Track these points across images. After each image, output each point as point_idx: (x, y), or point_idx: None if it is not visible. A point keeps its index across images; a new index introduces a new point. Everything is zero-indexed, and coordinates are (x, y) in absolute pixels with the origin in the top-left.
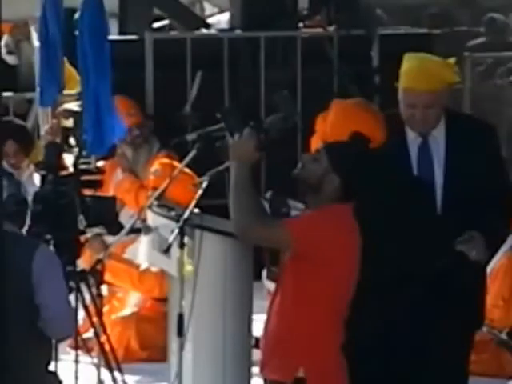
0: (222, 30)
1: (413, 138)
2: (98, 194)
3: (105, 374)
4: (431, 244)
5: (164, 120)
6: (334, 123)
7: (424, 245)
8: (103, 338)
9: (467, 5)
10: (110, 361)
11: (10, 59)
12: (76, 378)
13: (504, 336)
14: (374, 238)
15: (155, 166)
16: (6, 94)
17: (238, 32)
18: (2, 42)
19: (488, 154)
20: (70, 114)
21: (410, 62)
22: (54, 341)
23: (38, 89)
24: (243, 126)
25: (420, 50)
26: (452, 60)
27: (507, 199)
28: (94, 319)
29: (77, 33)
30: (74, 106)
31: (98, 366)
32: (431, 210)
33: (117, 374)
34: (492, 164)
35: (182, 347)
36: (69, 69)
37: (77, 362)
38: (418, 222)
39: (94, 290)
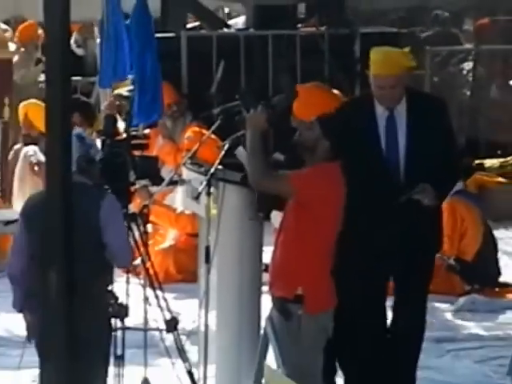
0: (239, 30)
1: (381, 112)
2: (145, 154)
3: (149, 292)
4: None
5: (195, 98)
6: (300, 101)
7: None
8: (148, 265)
9: (425, 11)
10: (153, 282)
11: (79, 51)
12: (127, 295)
13: (452, 261)
14: (353, 187)
15: (188, 133)
16: (75, 78)
17: (251, 31)
18: (72, 39)
19: (441, 125)
20: (120, 97)
21: (375, 54)
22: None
23: (98, 74)
24: (256, 104)
25: (390, 45)
26: (407, 49)
27: (454, 160)
28: (142, 250)
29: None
30: (123, 91)
31: (144, 286)
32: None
33: (158, 292)
34: (444, 133)
35: (208, 271)
36: None
37: (128, 282)
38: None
39: (141, 228)
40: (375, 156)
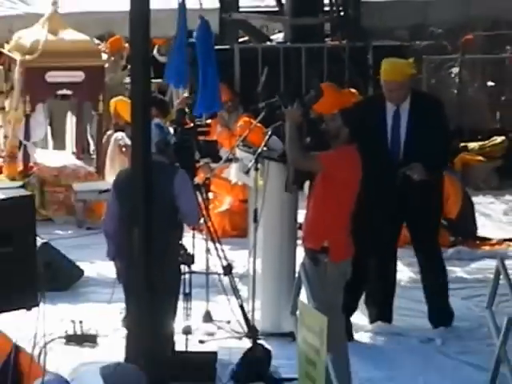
0: (279, 43)
1: (390, 108)
2: (207, 139)
3: (210, 244)
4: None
5: (245, 96)
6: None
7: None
8: (209, 224)
9: (423, 27)
10: (213, 237)
11: (161, 59)
12: (193, 246)
13: (444, 221)
14: (366, 163)
15: (240, 122)
16: (154, 80)
17: (288, 44)
18: (155, 49)
19: (437, 118)
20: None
21: (385, 64)
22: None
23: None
24: (291, 102)
25: (396, 55)
26: (411, 60)
27: (446, 145)
28: (204, 213)
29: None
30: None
31: (206, 240)
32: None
33: (217, 244)
34: (438, 125)
35: (256, 229)
36: None
37: (193, 237)
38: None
39: (204, 195)
40: (383, 140)
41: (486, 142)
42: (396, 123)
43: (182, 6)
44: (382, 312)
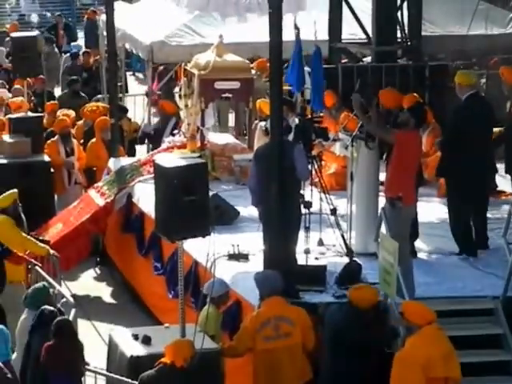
0: (368, 63)
1: None
2: (320, 126)
3: (322, 195)
4: None
5: (346, 98)
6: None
7: None
8: (322, 181)
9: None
10: (324, 190)
11: None
12: (311, 196)
13: None
14: None
15: (342, 115)
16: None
17: (374, 63)
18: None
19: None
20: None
21: (459, 74)
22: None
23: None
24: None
25: (442, 71)
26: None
27: None
28: (318, 174)
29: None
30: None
31: (319, 192)
32: None
33: (327, 195)
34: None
35: (352, 185)
36: None
37: (311, 190)
38: None
39: (318, 163)
40: None
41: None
42: None
43: (297, 37)
44: None
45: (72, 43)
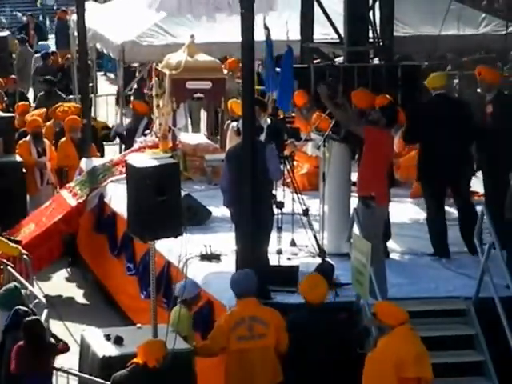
0: (340, 63)
1: None
2: (292, 126)
3: (294, 195)
4: None
5: (317, 98)
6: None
7: None
8: (294, 181)
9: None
10: (296, 190)
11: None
12: (283, 196)
13: None
14: None
15: (314, 115)
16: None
17: (346, 64)
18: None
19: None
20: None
21: (430, 77)
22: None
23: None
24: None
25: (415, 72)
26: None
27: None
28: (290, 174)
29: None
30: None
31: (291, 192)
32: None
33: (299, 195)
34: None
35: (324, 185)
36: None
37: (283, 190)
38: None
39: (290, 163)
40: None
41: None
42: None
43: (268, 37)
44: None
45: (40, 42)
